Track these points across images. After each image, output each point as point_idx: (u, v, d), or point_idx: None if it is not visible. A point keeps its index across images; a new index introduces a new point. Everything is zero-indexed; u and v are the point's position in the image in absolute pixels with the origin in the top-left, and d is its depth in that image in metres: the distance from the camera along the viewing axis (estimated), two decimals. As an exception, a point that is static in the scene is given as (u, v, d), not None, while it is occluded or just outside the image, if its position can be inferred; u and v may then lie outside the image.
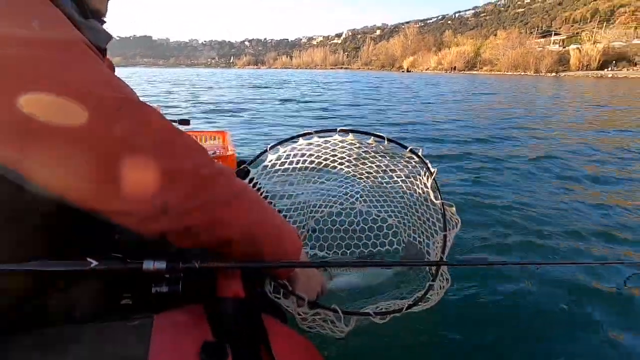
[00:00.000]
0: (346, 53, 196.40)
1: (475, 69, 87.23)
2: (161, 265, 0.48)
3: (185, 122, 1.88)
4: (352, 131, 1.08)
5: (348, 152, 1.16)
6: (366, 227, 1.32)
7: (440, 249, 0.92)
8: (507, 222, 2.12)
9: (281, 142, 1.09)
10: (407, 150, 1.04)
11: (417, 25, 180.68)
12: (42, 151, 0.38)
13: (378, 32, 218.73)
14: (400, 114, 7.61)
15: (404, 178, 1.17)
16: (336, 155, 1.17)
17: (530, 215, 2.21)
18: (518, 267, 1.58)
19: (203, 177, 0.48)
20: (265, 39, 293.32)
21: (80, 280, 0.50)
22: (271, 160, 1.09)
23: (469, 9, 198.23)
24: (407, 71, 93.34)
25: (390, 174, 1.20)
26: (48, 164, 0.39)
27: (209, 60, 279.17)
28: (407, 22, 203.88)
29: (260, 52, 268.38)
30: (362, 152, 1.15)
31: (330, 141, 1.10)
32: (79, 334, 0.46)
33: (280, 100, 10.40)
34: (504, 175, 3.17)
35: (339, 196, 1.36)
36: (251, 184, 1.02)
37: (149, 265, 0.48)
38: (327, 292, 0.81)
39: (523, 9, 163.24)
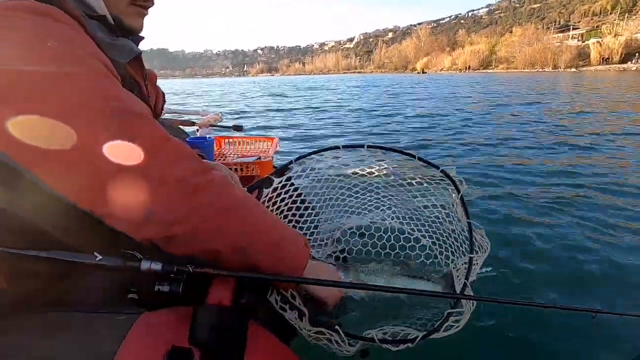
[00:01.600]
0: (358, 57, 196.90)
1: (491, 67, 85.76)
2: (157, 266, 0.50)
3: (239, 128, 1.96)
4: (380, 147, 1.05)
5: (377, 167, 1.12)
6: (397, 244, 1.22)
7: (464, 273, 0.84)
8: (547, 255, 1.79)
9: (307, 155, 1.07)
10: (439, 170, 1.01)
11: (430, 27, 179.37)
12: (44, 156, 0.43)
13: (390, 34, 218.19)
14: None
15: (437, 197, 1.10)
16: (364, 170, 1.14)
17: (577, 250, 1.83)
18: (560, 312, 1.29)
19: (190, 186, 0.49)
20: (277, 46, 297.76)
21: (95, 272, 0.53)
22: (297, 171, 1.07)
23: (483, 7, 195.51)
24: (423, 72, 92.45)
25: (424, 192, 1.13)
26: (49, 168, 0.44)
27: (223, 69, 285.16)
28: (420, 24, 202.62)
29: (273, 59, 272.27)
30: (392, 168, 1.11)
31: (357, 157, 1.08)
32: (72, 321, 0.50)
33: (313, 108, 9.63)
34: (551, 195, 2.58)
35: (369, 210, 1.29)
36: (275, 193, 1.01)
37: (146, 265, 0.50)
38: (341, 301, 0.76)
39: (539, 4, 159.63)
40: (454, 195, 1.00)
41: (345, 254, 1.20)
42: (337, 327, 0.66)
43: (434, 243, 1.14)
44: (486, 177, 3.00)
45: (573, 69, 60.44)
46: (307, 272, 0.64)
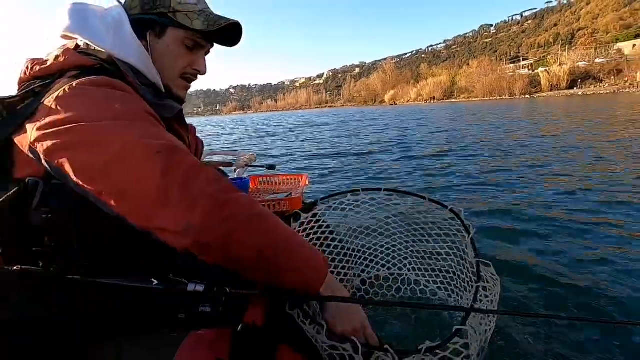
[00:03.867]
0: (329, 92, 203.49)
1: (454, 97, 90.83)
2: (200, 287, 0.61)
3: (272, 167, 2.09)
4: (396, 191, 1.13)
5: (393, 211, 1.18)
6: (414, 297, 1.24)
7: (472, 297, 0.83)
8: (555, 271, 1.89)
9: (331, 196, 1.15)
10: (447, 209, 1.06)
11: (394, 61, 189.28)
12: (112, 184, 0.57)
13: (357, 70, 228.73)
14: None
15: (450, 244, 1.12)
16: (382, 214, 1.19)
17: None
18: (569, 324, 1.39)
19: (220, 201, 0.59)
20: (249, 84, 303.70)
21: (156, 296, 0.64)
22: (320, 209, 1.14)
23: (441, 43, 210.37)
24: (393, 104, 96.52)
25: (436, 237, 1.16)
26: (115, 193, 0.57)
27: (195, 109, 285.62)
28: (384, 59, 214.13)
29: (245, 97, 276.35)
30: (406, 211, 1.16)
31: (375, 199, 1.14)
32: (136, 340, 0.64)
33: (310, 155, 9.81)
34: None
35: (387, 260, 1.31)
36: (301, 228, 1.10)
37: (191, 287, 0.60)
38: (372, 335, 0.73)
39: (490, 39, 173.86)
40: (464, 235, 1.02)
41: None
42: (354, 338, 0.65)
43: (449, 295, 1.14)
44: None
45: (527, 96, 65.14)
46: (329, 290, 0.68)
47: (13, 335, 0.57)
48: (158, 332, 0.65)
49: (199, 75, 0.88)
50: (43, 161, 0.60)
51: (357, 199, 1.15)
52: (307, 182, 1.96)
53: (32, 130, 0.60)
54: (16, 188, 0.61)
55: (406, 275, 1.27)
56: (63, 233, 0.61)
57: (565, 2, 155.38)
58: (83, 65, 0.70)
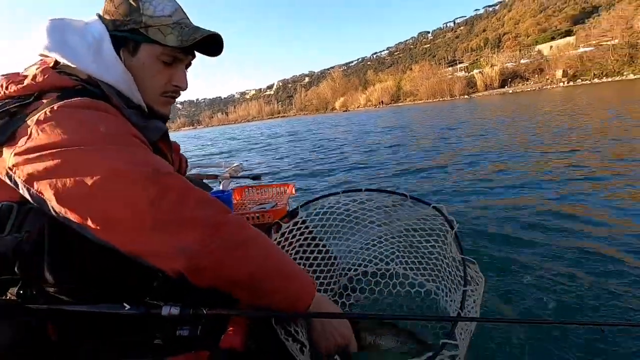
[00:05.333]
0: (280, 102, 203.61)
1: (400, 101, 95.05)
2: (175, 310, 0.58)
3: (257, 177, 2.05)
4: (377, 190, 1.11)
5: (376, 210, 1.16)
6: (402, 290, 1.23)
7: (459, 304, 0.82)
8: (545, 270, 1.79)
9: (312, 201, 1.13)
10: (430, 207, 1.05)
11: (341, 69, 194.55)
12: (98, 211, 0.55)
13: (307, 79, 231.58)
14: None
15: (435, 237, 1.11)
16: (365, 214, 1.17)
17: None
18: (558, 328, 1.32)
19: (212, 225, 0.59)
20: (197, 99, 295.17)
21: (129, 321, 0.62)
22: (301, 216, 1.11)
23: (384, 50, 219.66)
24: (346, 111, 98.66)
25: (421, 232, 1.15)
26: (101, 220, 0.55)
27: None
28: (332, 67, 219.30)
29: (194, 112, 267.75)
30: (389, 209, 1.14)
31: (357, 200, 1.13)
32: None
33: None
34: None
35: (374, 256, 1.30)
36: (283, 237, 1.07)
37: (166, 310, 0.58)
38: (354, 348, 0.75)
39: (429, 45, 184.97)
40: (448, 232, 1.01)
41: (352, 301, 1.22)
42: (336, 357, 0.67)
43: (437, 287, 1.14)
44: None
45: (466, 96, 69.96)
46: (318, 308, 0.68)
47: None
48: (129, 357, 0.62)
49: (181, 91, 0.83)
50: (21, 187, 0.58)
51: (337, 200, 1.13)
52: (293, 192, 1.94)
53: (10, 155, 0.57)
54: None
55: (394, 269, 1.26)
56: (35, 259, 0.58)
57: (490, 9, 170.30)
58: (64, 87, 0.66)
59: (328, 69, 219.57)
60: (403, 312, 1.19)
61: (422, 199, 1.06)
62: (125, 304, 0.59)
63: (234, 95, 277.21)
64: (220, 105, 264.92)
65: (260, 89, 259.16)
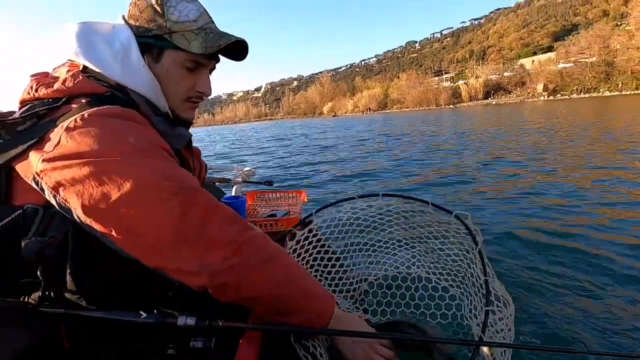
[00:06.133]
0: (268, 105, 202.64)
1: (387, 108, 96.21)
2: (191, 321, 0.58)
3: (269, 182, 2.03)
4: (395, 195, 1.07)
5: (395, 215, 1.12)
6: (426, 294, 1.15)
7: (481, 326, 0.75)
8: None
9: (326, 207, 1.10)
10: (453, 215, 1.00)
11: (330, 74, 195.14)
12: (124, 223, 0.55)
13: (295, 83, 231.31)
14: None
15: (458, 245, 1.06)
16: (383, 219, 1.13)
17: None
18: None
19: (236, 243, 0.58)
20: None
21: (144, 329, 0.61)
22: (316, 223, 1.09)
23: (372, 57, 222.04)
24: (334, 115, 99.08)
25: (442, 239, 1.09)
26: (126, 233, 0.56)
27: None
28: (320, 72, 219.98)
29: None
30: (409, 215, 1.09)
31: (374, 205, 1.09)
32: None
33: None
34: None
35: (393, 260, 1.24)
36: (298, 245, 1.05)
37: (182, 320, 0.58)
38: None
39: (416, 54, 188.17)
40: (470, 241, 0.96)
41: (374, 307, 1.16)
42: None
43: (462, 294, 1.07)
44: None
45: (451, 106, 71.51)
46: (338, 324, 0.68)
47: None
48: None
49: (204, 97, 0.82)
50: (47, 193, 0.57)
51: (353, 205, 1.11)
52: (305, 199, 1.92)
53: (38, 161, 0.57)
54: (14, 215, 0.58)
55: (415, 273, 1.20)
56: (57, 264, 0.58)
57: (476, 22, 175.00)
58: (93, 92, 0.66)
59: (317, 74, 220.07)
60: (426, 317, 1.12)
61: (444, 207, 1.02)
62: (141, 312, 0.59)
63: (220, 96, 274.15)
64: (206, 106, 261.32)
65: (248, 91, 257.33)
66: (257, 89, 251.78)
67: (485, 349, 0.70)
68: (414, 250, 1.22)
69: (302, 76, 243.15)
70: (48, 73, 0.73)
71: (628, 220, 2.61)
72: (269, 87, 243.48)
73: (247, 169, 2.02)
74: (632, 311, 1.51)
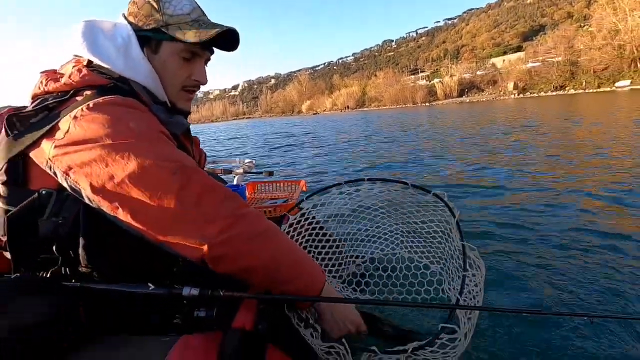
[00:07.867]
0: (245, 103, 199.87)
1: (365, 106, 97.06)
2: (195, 291, 0.64)
3: (271, 173, 2.13)
4: (379, 179, 1.15)
5: (380, 198, 1.20)
6: (409, 273, 1.25)
7: (458, 290, 0.84)
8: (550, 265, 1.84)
9: (316, 193, 1.18)
10: (431, 194, 1.07)
11: (307, 73, 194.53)
12: (128, 201, 0.61)
13: (273, 81, 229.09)
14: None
15: (437, 222, 1.14)
16: (369, 202, 1.21)
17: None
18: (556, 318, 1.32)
19: (233, 217, 0.64)
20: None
21: (152, 301, 0.68)
22: (308, 208, 1.16)
23: (350, 55, 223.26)
24: (315, 114, 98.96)
25: (423, 218, 1.18)
26: (130, 210, 0.61)
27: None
28: (299, 70, 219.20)
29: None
30: (392, 198, 1.17)
31: (360, 189, 1.17)
32: (130, 342, 0.65)
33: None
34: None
35: (380, 242, 1.34)
36: (291, 228, 1.12)
37: (186, 291, 0.64)
38: (364, 332, 0.80)
39: (392, 53, 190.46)
40: (449, 217, 1.03)
41: (363, 287, 1.23)
42: (343, 340, 0.72)
43: (441, 268, 1.15)
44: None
45: (427, 104, 73.03)
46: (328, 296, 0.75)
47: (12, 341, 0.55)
48: (151, 335, 0.66)
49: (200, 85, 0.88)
50: (60, 176, 0.64)
51: (341, 190, 1.20)
52: (305, 188, 1.99)
53: (50, 148, 0.64)
54: (31, 198, 0.65)
55: (400, 253, 1.30)
56: (71, 241, 0.64)
57: (450, 22, 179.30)
58: (98, 84, 0.72)
59: (295, 72, 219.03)
60: (411, 294, 1.20)
61: (423, 187, 1.10)
62: (149, 284, 0.65)
63: (196, 95, 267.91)
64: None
65: (225, 89, 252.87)
66: (234, 87, 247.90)
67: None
68: (397, 231, 1.31)
69: (280, 74, 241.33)
70: (56, 70, 0.79)
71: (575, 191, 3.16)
72: (246, 85, 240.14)
73: (248, 160, 2.10)
74: (588, 275, 1.72)
